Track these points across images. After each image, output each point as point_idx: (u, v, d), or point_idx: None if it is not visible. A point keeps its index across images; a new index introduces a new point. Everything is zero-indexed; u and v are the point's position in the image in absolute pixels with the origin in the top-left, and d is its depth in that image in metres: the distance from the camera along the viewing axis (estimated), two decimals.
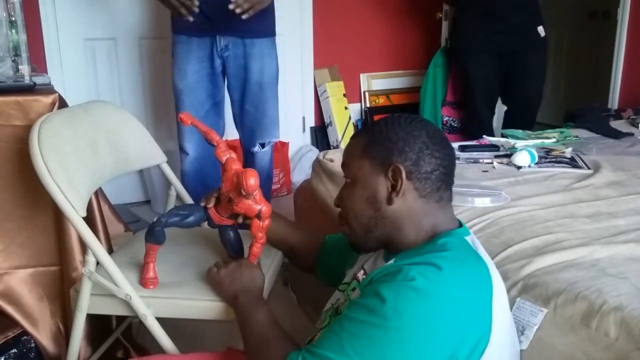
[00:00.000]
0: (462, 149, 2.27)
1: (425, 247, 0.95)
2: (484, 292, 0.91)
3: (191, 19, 2.12)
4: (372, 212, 0.99)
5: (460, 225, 1.02)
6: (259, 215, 1.20)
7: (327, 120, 3.71)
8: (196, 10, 2.12)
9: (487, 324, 0.89)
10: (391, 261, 0.97)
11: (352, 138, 1.05)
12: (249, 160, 2.47)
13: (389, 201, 0.97)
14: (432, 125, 1.01)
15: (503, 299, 0.95)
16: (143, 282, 1.28)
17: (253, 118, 2.40)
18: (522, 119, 3.07)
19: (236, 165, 1.20)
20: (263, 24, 2.32)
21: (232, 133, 2.66)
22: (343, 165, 1.05)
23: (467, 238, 0.98)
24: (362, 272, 1.07)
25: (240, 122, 2.44)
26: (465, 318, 0.87)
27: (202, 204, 1.27)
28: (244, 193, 1.12)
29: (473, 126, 3.22)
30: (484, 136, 2.54)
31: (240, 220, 1.29)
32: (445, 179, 0.99)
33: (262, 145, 2.44)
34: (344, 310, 0.94)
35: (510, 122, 3.21)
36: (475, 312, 0.89)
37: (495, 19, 3.01)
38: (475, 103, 3.26)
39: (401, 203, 0.97)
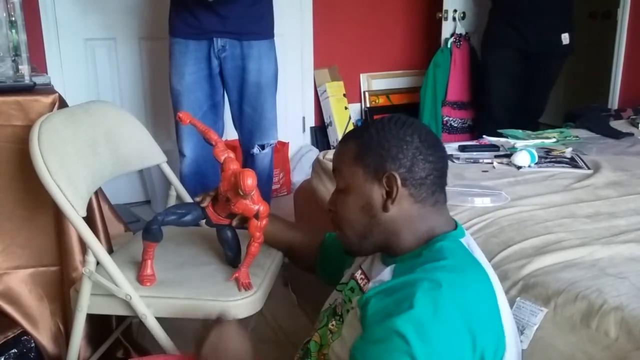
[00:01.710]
0: (462, 149, 2.27)
1: (422, 252, 0.94)
2: (488, 298, 0.91)
3: None
4: (367, 219, 0.98)
5: (456, 226, 1.01)
6: (256, 215, 1.20)
7: (327, 120, 3.71)
8: None
9: (500, 329, 0.89)
10: (388, 269, 0.95)
11: (341, 143, 1.03)
12: (249, 162, 2.46)
13: (385, 208, 0.96)
14: (423, 127, 1.00)
15: (505, 301, 0.94)
16: (140, 279, 1.28)
17: (251, 120, 2.39)
18: (525, 121, 3.06)
19: (234, 165, 1.20)
20: (261, 26, 2.31)
21: (232, 133, 2.66)
22: (334, 170, 1.03)
23: (463, 240, 0.98)
24: (359, 272, 1.06)
25: (239, 123, 2.44)
26: (480, 329, 0.86)
27: (197, 199, 1.27)
28: (241, 193, 1.12)
29: (486, 124, 3.18)
30: (484, 136, 2.54)
31: (234, 223, 1.29)
32: (440, 182, 0.99)
33: (262, 147, 2.44)
34: (359, 350, 0.88)
35: (514, 123, 3.20)
36: (487, 321, 0.88)
37: (522, 18, 3.01)
38: (491, 99, 3.23)
39: (397, 209, 0.96)
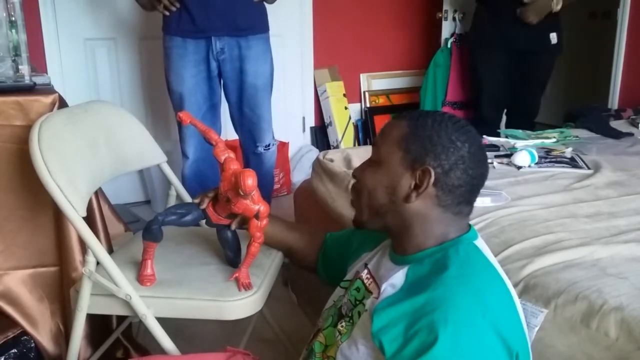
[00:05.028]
0: None
1: (436, 256, 0.93)
2: (509, 303, 0.90)
3: (167, 13, 2.22)
4: (386, 200, 0.97)
5: (469, 228, 1.00)
6: (257, 215, 1.20)
7: (327, 120, 3.72)
8: (173, 8, 2.19)
9: (522, 329, 0.90)
10: (400, 272, 0.94)
11: (395, 119, 1.01)
12: (254, 160, 2.47)
13: (407, 199, 0.95)
14: (478, 139, 0.97)
15: (518, 301, 0.94)
16: (140, 279, 1.28)
17: (250, 121, 2.40)
18: (520, 121, 3.06)
19: (234, 165, 1.20)
20: (256, 19, 2.32)
21: (232, 133, 2.66)
22: (375, 143, 1.01)
23: (476, 242, 0.97)
24: (365, 271, 1.05)
25: (239, 124, 2.44)
26: (509, 334, 0.85)
27: (196, 201, 1.27)
28: (242, 193, 1.12)
29: (477, 126, 3.16)
30: (484, 136, 2.53)
31: (234, 226, 1.29)
32: (469, 196, 0.97)
33: (267, 146, 2.45)
34: None
35: (509, 123, 3.21)
36: (512, 325, 0.88)
37: (511, 17, 2.99)
38: (481, 100, 3.22)
39: (418, 205, 0.95)
